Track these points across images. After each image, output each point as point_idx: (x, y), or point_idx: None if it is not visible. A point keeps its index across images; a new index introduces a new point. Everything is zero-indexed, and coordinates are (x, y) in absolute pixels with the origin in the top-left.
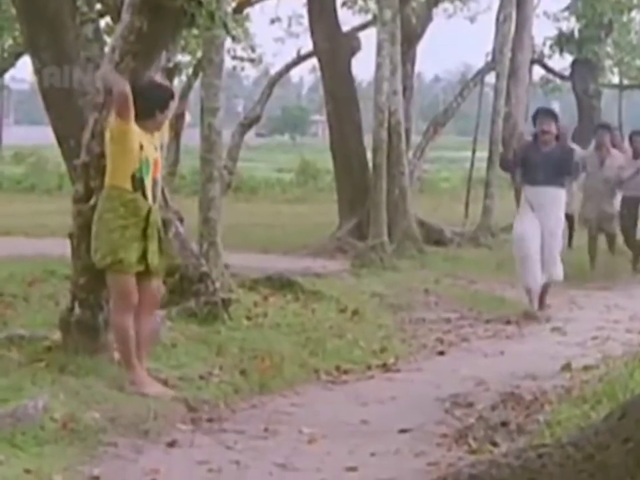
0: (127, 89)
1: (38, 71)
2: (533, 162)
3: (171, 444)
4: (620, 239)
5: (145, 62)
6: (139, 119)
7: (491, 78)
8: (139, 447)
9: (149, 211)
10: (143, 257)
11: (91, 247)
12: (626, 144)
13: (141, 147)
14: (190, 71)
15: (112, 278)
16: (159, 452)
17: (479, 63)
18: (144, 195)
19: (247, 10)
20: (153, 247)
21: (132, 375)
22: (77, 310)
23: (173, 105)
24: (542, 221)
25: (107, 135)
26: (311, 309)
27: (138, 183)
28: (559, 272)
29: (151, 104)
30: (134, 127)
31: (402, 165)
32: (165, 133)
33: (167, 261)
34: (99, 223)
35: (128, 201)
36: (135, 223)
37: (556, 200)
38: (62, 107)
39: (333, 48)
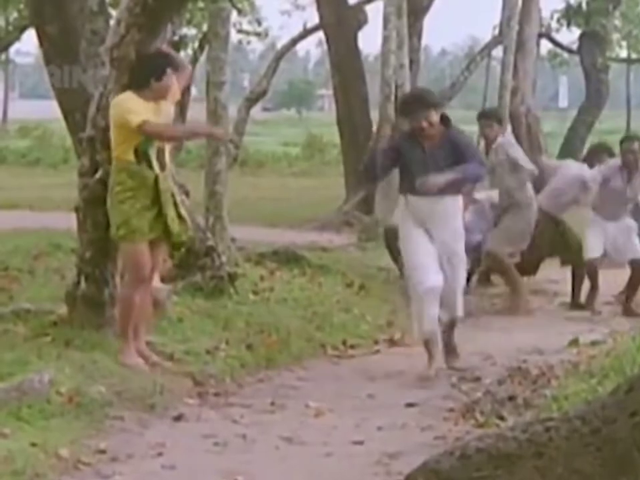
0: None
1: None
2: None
3: (177, 418)
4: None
5: (150, 34)
6: (135, 88)
7: (498, 51)
8: (145, 421)
9: (156, 180)
10: (156, 223)
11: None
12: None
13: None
14: (196, 44)
15: (125, 249)
16: (165, 426)
17: (486, 36)
18: (149, 165)
19: None
20: (171, 213)
21: (121, 344)
22: (83, 284)
23: (175, 71)
24: (437, 242)
25: (111, 111)
26: (317, 283)
27: (142, 155)
28: (460, 305)
29: (144, 74)
30: (138, 108)
31: None
32: (170, 107)
33: (187, 226)
34: (110, 196)
35: (134, 172)
36: (144, 194)
37: (450, 212)
38: (67, 80)
39: (340, 21)
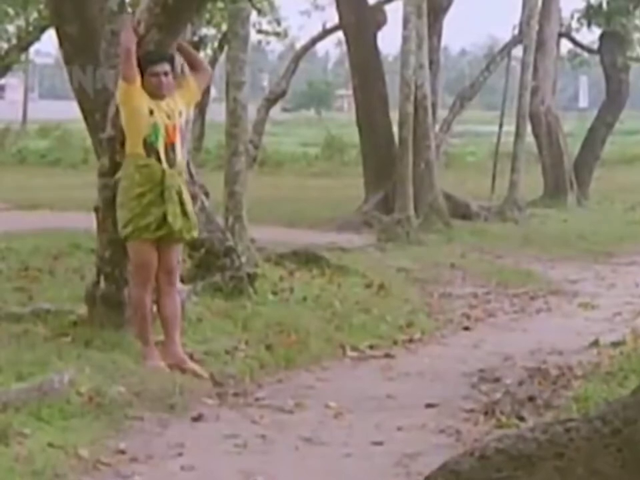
0: (132, 46)
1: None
2: None
3: (197, 418)
4: None
5: (170, 34)
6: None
7: (518, 51)
8: (165, 421)
9: (164, 175)
10: (163, 221)
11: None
12: None
13: (151, 112)
14: (215, 44)
15: (132, 247)
16: (184, 426)
17: (505, 36)
18: (158, 160)
19: None
20: (173, 209)
21: (144, 349)
22: (103, 284)
23: (157, 67)
24: None
25: (117, 99)
26: (336, 284)
27: (150, 148)
28: None
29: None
30: (140, 90)
31: (428, 139)
32: (190, 107)
33: (192, 225)
34: (119, 192)
35: (141, 166)
36: (150, 189)
37: None
38: (86, 81)
39: (359, 21)
